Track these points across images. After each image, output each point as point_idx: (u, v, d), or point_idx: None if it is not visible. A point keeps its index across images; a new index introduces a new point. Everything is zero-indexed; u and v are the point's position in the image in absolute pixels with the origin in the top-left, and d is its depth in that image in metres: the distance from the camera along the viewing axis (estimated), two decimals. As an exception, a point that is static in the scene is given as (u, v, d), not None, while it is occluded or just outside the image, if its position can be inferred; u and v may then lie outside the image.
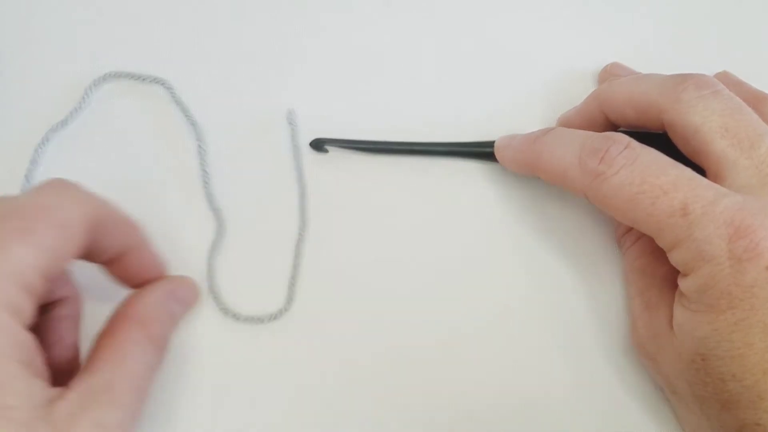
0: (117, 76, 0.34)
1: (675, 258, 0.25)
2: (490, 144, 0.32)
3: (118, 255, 0.27)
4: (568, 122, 0.33)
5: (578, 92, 0.33)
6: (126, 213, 0.27)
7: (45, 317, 0.26)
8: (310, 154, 0.33)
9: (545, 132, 0.29)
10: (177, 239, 0.31)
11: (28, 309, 0.22)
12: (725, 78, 0.32)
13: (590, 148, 0.26)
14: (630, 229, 0.30)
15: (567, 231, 0.33)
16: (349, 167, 0.33)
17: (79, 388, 0.23)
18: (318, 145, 0.33)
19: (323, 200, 0.33)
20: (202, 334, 0.30)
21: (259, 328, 0.31)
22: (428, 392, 0.30)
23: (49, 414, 0.21)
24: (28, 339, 0.22)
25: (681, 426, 0.29)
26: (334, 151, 0.33)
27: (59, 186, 0.25)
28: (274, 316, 0.30)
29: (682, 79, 0.27)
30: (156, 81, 0.34)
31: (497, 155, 0.32)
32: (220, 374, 0.30)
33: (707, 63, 0.33)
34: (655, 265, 0.29)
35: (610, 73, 0.34)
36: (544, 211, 0.33)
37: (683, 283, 0.26)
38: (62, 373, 0.25)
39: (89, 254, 0.26)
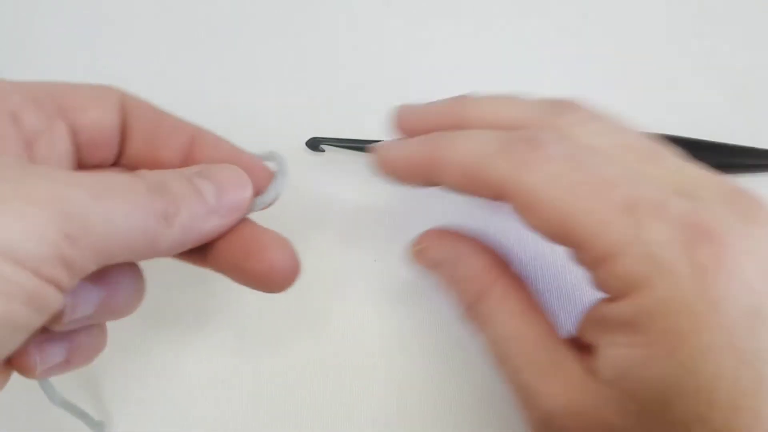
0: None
1: (610, 272, 0.20)
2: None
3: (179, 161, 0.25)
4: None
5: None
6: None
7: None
8: (306, 155, 0.33)
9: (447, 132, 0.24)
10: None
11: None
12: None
13: (518, 135, 0.22)
14: (484, 293, 0.24)
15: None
16: (346, 167, 0.33)
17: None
18: (314, 144, 0.33)
19: (320, 199, 0.33)
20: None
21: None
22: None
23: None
24: None
25: None
26: (330, 151, 0.33)
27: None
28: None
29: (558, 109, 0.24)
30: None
31: (380, 162, 0.26)
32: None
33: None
34: (535, 318, 0.24)
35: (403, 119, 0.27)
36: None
37: (618, 311, 0.20)
38: None
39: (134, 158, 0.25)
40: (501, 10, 0.38)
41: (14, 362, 0.23)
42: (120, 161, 0.26)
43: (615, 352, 0.20)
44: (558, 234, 0.21)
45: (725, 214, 0.20)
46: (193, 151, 0.26)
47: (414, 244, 0.27)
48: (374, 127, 0.34)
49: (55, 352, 0.23)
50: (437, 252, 0.26)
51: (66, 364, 0.24)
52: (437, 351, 0.30)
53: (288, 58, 0.36)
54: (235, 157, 0.26)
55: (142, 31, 0.37)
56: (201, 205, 0.22)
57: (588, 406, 0.21)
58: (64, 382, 0.26)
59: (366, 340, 0.30)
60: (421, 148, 0.24)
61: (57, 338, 0.23)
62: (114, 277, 0.23)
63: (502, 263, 0.25)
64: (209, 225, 0.23)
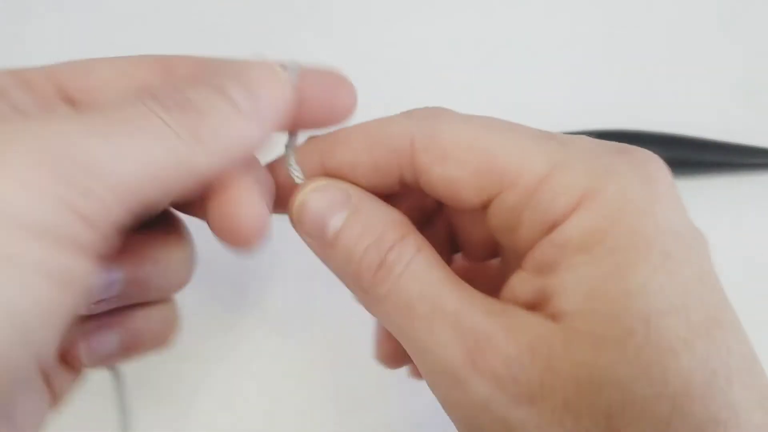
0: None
1: (554, 190, 0.18)
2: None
3: None
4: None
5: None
6: None
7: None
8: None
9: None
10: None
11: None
12: None
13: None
14: (401, 240, 0.20)
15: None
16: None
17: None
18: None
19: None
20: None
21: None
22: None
23: None
24: None
25: None
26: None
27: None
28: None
29: None
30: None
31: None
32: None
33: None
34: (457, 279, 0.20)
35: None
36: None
37: (572, 228, 0.18)
38: None
39: None
40: (501, 10, 0.38)
41: (65, 354, 0.20)
42: None
43: (577, 274, 0.17)
44: (482, 173, 0.19)
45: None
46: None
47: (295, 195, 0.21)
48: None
49: (107, 340, 0.21)
50: (332, 195, 0.20)
51: (126, 351, 0.21)
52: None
53: (287, 57, 0.36)
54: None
55: (142, 30, 0.37)
56: (232, 110, 0.19)
57: (555, 347, 0.17)
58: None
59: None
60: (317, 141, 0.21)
61: (105, 326, 0.21)
62: (155, 247, 0.21)
63: (408, 221, 0.21)
64: (247, 132, 0.19)
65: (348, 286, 0.21)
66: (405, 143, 0.19)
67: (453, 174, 0.19)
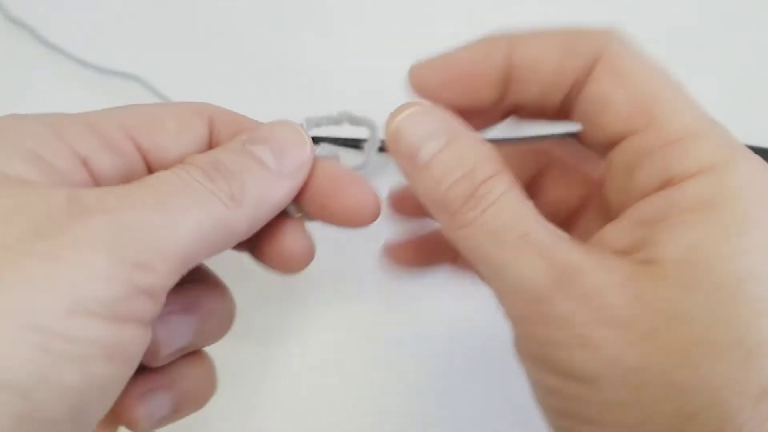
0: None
1: (689, 151, 0.19)
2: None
3: None
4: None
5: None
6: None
7: None
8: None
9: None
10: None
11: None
12: None
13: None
14: (498, 174, 0.20)
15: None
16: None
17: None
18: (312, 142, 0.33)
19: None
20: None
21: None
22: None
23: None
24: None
25: None
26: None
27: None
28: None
29: None
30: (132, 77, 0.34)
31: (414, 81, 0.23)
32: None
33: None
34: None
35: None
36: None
37: (693, 189, 0.18)
38: None
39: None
40: (501, 10, 0.38)
41: (120, 417, 0.21)
42: None
43: (681, 230, 0.18)
44: (641, 102, 0.20)
45: None
46: None
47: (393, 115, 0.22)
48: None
49: (161, 403, 0.22)
50: (431, 119, 0.21)
51: (175, 413, 0.23)
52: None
53: (287, 56, 0.36)
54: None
55: (141, 30, 0.37)
56: (263, 171, 0.21)
57: (643, 283, 0.18)
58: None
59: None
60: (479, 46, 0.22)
61: (159, 387, 0.22)
62: (205, 302, 0.23)
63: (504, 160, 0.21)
64: (279, 190, 0.21)
65: (431, 208, 0.21)
66: (594, 52, 0.21)
67: (614, 94, 0.20)
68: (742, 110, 0.36)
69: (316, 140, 0.33)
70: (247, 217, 0.20)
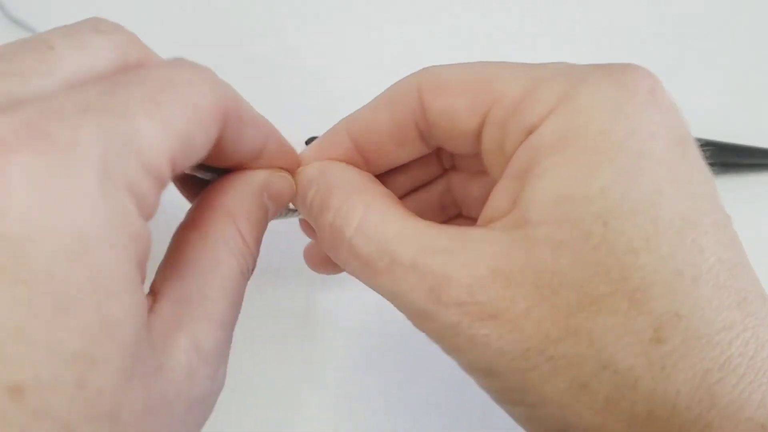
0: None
1: (535, 100, 0.19)
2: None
3: (246, 162, 0.22)
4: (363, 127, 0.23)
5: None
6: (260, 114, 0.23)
7: None
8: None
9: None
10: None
11: (151, 198, 0.16)
12: None
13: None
14: (358, 189, 0.21)
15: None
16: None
17: (171, 297, 0.18)
18: (314, 143, 0.33)
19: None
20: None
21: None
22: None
23: (147, 332, 0.16)
24: (147, 234, 0.16)
25: None
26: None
27: (190, 65, 0.20)
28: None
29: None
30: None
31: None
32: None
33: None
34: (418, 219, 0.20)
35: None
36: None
37: (547, 129, 0.18)
38: None
39: (213, 157, 0.20)
40: (503, 10, 0.38)
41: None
42: None
43: (545, 180, 0.18)
44: (476, 95, 0.20)
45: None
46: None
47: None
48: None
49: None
50: (310, 171, 0.23)
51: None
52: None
53: (288, 56, 0.36)
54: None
55: (141, 30, 0.37)
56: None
57: (516, 261, 0.18)
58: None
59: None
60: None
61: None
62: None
63: (367, 177, 0.23)
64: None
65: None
66: (413, 92, 0.21)
67: (452, 102, 0.20)
68: (741, 110, 0.36)
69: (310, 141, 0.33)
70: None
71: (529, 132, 0.19)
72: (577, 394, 0.17)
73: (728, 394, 0.16)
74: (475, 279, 0.18)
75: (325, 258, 0.26)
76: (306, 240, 0.27)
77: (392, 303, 0.20)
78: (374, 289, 0.20)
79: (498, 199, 0.20)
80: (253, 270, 0.21)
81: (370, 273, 0.20)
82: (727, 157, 0.35)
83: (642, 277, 0.17)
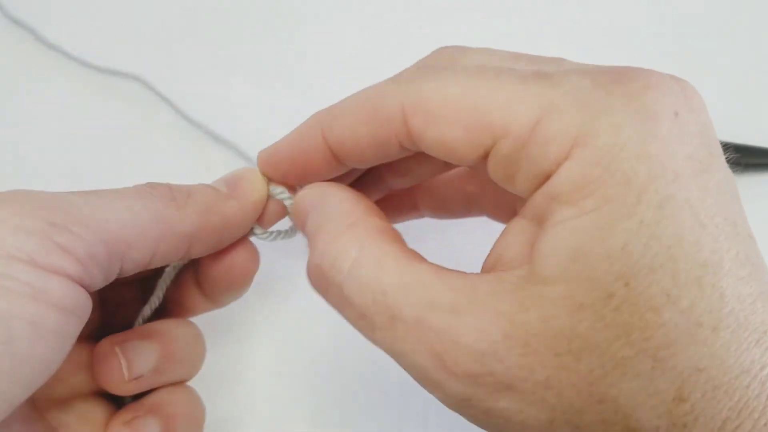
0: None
1: (544, 138, 0.17)
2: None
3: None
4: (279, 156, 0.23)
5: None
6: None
7: None
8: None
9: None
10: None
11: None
12: None
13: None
14: (355, 223, 0.20)
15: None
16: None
17: None
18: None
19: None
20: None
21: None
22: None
23: None
24: None
25: None
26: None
27: None
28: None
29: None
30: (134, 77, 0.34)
31: (264, 167, 0.24)
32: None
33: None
34: (421, 261, 0.19)
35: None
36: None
37: (563, 177, 0.17)
38: None
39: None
40: (503, 11, 0.38)
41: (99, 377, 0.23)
42: None
43: (565, 228, 0.16)
44: (473, 130, 0.18)
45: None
46: None
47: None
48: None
49: (150, 428, 0.23)
50: (308, 198, 0.22)
51: None
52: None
53: (288, 57, 0.36)
54: None
55: (141, 30, 0.37)
56: (213, 191, 0.22)
57: (532, 324, 0.16)
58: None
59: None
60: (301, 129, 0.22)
61: (144, 414, 0.23)
62: (167, 331, 0.24)
63: (375, 208, 0.21)
64: (229, 207, 0.22)
65: None
66: (396, 112, 0.19)
67: (445, 134, 0.18)
68: (741, 110, 0.36)
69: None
70: (190, 220, 0.21)
71: (545, 177, 0.17)
72: None
73: None
74: (488, 345, 0.16)
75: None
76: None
77: (395, 361, 0.18)
78: (373, 343, 0.18)
79: (510, 242, 0.18)
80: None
81: (367, 326, 0.18)
82: (727, 157, 0.35)
83: (664, 334, 0.16)
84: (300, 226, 0.22)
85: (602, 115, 0.17)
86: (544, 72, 0.18)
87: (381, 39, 0.37)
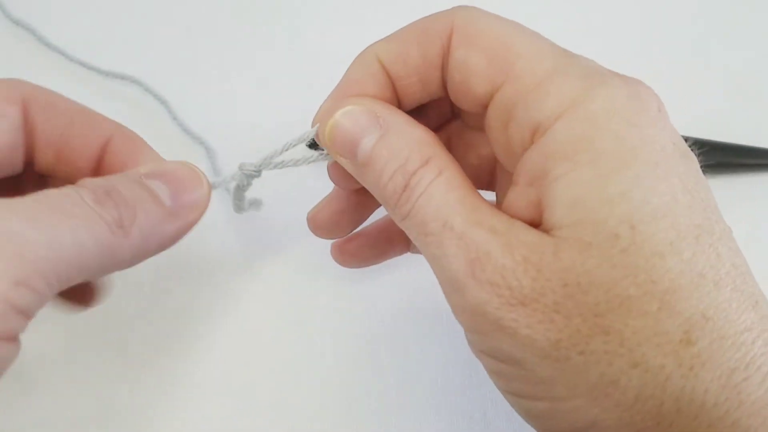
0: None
1: (550, 90, 0.19)
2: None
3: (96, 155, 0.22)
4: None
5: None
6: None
7: None
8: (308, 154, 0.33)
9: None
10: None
11: None
12: None
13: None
14: (425, 164, 0.20)
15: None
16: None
17: None
18: (315, 144, 0.33)
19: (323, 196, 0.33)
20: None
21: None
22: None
23: None
24: None
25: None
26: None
27: None
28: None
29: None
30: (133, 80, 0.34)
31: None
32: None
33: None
34: (475, 193, 0.20)
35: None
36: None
37: (562, 131, 0.18)
38: None
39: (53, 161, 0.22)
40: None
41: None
42: (29, 168, 0.23)
43: (562, 185, 0.18)
44: (495, 60, 0.20)
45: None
46: (109, 153, 0.23)
47: (321, 116, 0.23)
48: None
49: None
50: (361, 118, 0.21)
51: None
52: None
53: (290, 58, 0.36)
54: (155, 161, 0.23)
55: (141, 31, 0.37)
56: (157, 207, 0.21)
57: (546, 255, 0.18)
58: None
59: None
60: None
61: None
62: None
63: (436, 138, 0.22)
64: (170, 229, 0.21)
65: (379, 201, 0.22)
66: (446, 29, 0.21)
67: (471, 58, 0.20)
68: (741, 110, 0.36)
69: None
70: (133, 248, 0.20)
71: (536, 127, 0.19)
72: (606, 389, 0.18)
73: (754, 392, 0.17)
74: (511, 264, 0.18)
75: (332, 223, 0.26)
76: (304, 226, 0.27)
77: (431, 266, 0.20)
78: (419, 247, 0.20)
79: (518, 203, 0.20)
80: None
81: (420, 231, 0.20)
82: (726, 157, 0.35)
83: (671, 279, 0.17)
84: (349, 144, 0.21)
85: (602, 86, 0.19)
86: (574, 53, 0.20)
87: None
